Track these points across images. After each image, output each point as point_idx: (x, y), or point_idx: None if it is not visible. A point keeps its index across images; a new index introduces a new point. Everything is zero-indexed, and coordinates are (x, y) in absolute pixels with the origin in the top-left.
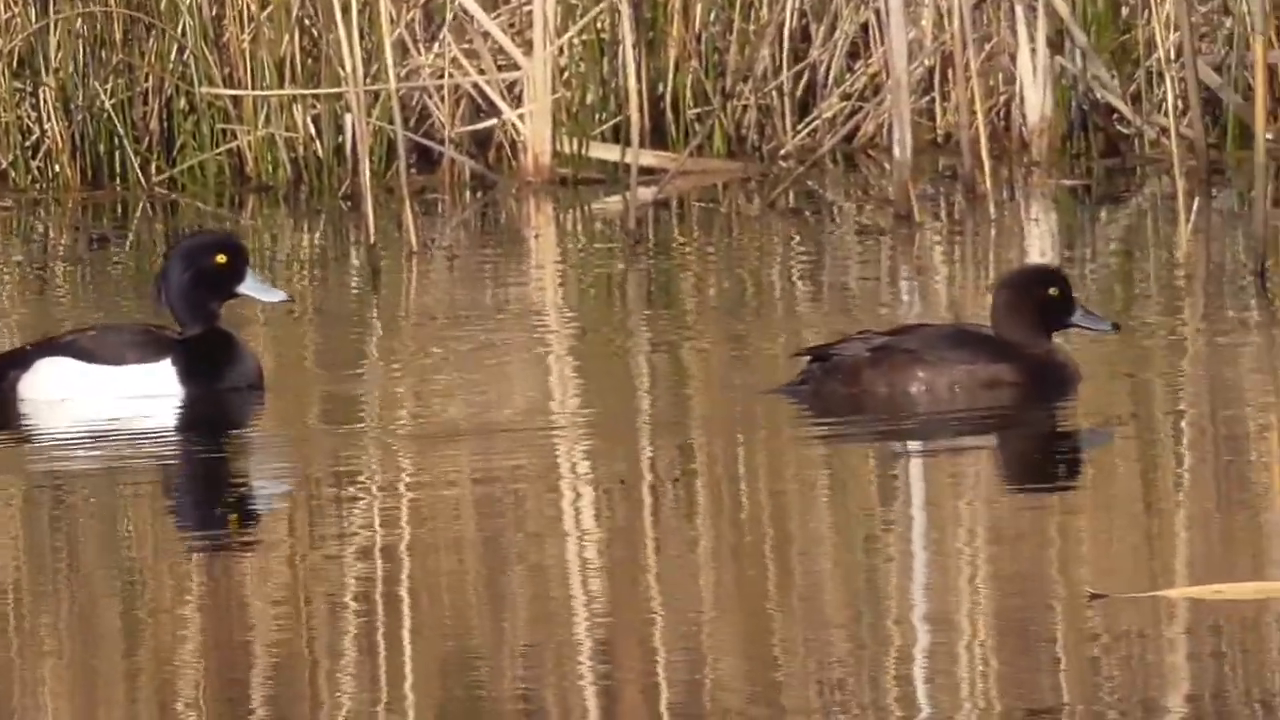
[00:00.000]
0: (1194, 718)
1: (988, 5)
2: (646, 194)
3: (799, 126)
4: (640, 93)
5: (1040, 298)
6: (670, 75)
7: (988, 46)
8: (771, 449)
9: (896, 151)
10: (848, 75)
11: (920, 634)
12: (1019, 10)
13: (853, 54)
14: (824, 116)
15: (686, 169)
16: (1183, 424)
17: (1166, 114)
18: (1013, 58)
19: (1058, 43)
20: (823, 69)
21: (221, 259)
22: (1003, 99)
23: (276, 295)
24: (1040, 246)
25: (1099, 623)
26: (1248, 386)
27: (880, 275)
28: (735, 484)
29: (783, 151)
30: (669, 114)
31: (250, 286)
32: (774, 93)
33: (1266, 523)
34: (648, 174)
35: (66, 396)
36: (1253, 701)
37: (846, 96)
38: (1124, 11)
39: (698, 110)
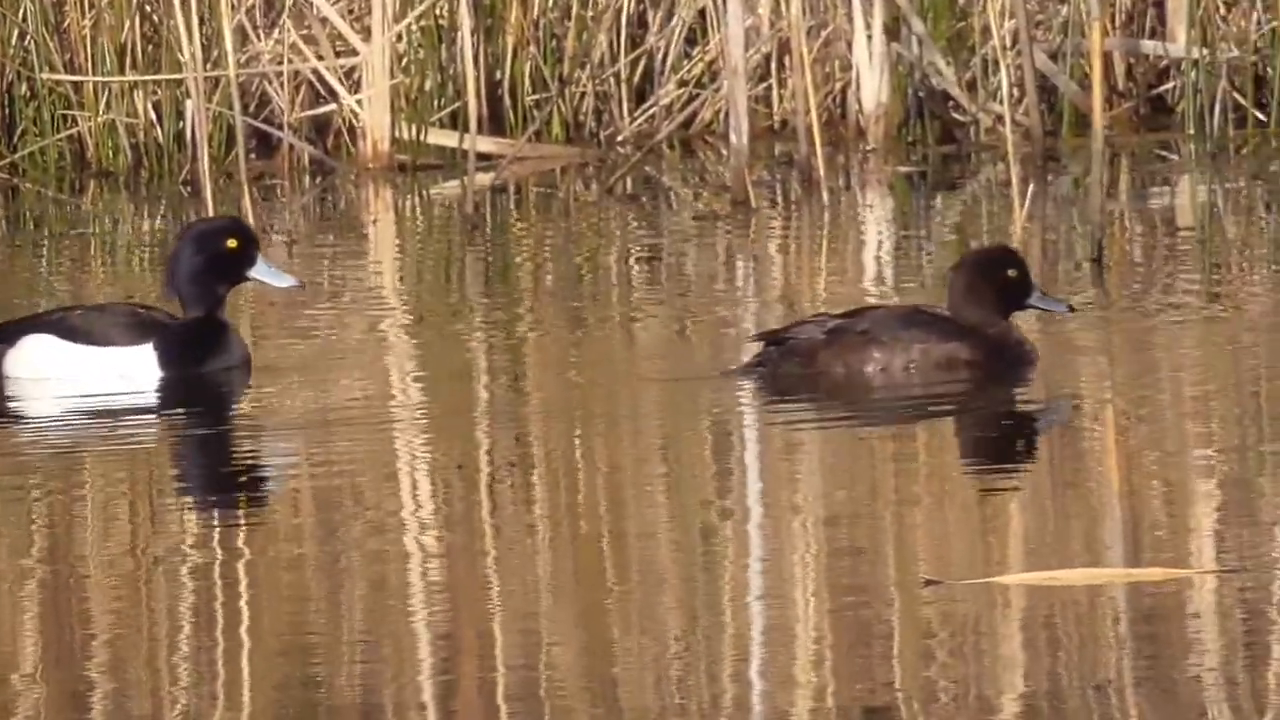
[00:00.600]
0: (1024, 705)
1: None
2: (484, 179)
3: (636, 113)
4: (478, 79)
5: (999, 279)
6: (508, 62)
7: (824, 34)
8: (621, 435)
9: (733, 138)
10: (685, 62)
11: (754, 620)
12: None
13: (690, 41)
14: (661, 103)
15: (524, 155)
16: (1018, 410)
17: (1002, 101)
18: (849, 45)
19: (894, 30)
20: (660, 56)
21: (233, 244)
22: (839, 86)
23: (287, 280)
24: (875, 232)
25: (932, 610)
26: (1085, 372)
27: (717, 260)
28: (574, 470)
29: (620, 138)
30: (507, 100)
31: (261, 271)
32: (611, 79)
33: (1100, 509)
34: (485, 160)
35: (49, 375)
36: (1082, 690)
37: (684, 83)
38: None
39: (536, 96)
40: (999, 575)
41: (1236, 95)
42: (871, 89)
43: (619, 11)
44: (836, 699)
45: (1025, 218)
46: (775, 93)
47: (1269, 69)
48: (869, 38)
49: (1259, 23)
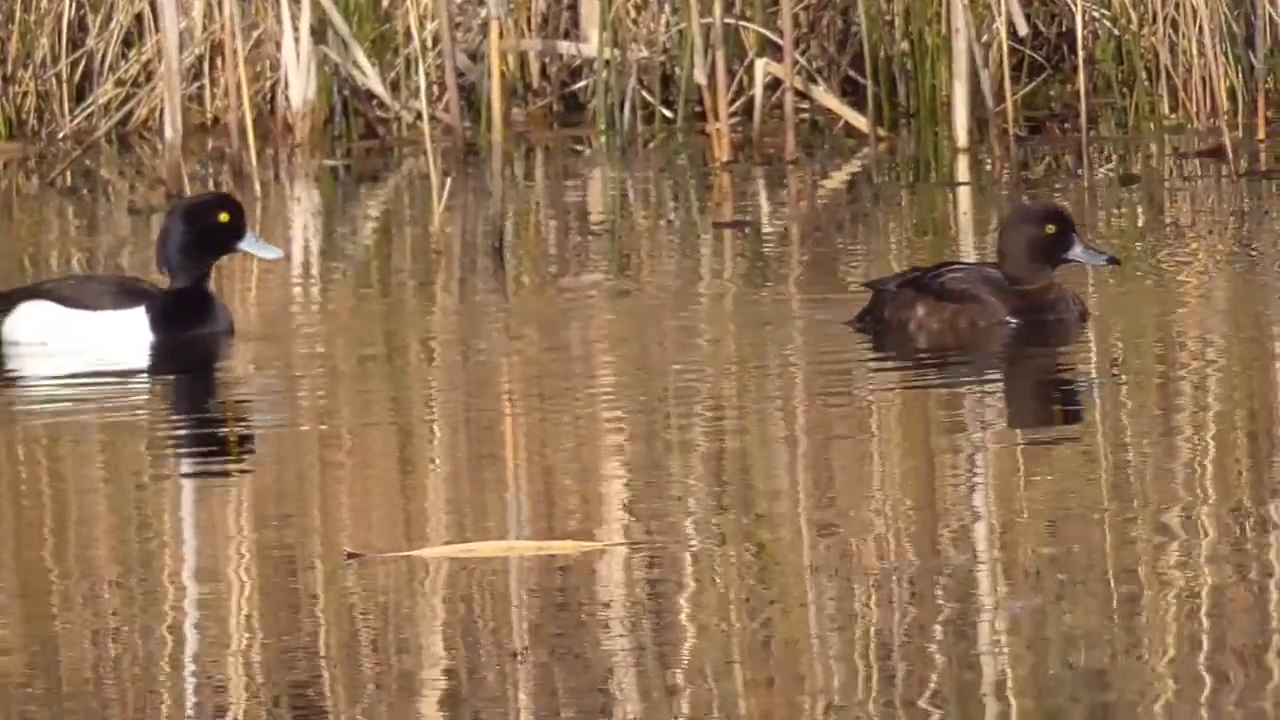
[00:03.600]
0: (441, 674)
1: None
2: None
3: (76, 110)
4: None
5: (1038, 235)
6: None
7: (255, 35)
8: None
9: (168, 133)
10: (123, 62)
11: (186, 595)
12: (284, 1)
13: (128, 42)
14: (100, 101)
15: None
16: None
17: (424, 99)
18: (278, 46)
19: (321, 32)
20: (99, 56)
21: (225, 217)
22: (269, 85)
23: (273, 252)
24: (303, 223)
25: (353, 582)
26: (492, 350)
27: (150, 250)
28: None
29: (61, 134)
30: None
31: (250, 244)
32: (53, 79)
33: (519, 484)
34: None
35: (46, 339)
36: (497, 657)
37: (122, 82)
38: (384, 3)
39: None
40: (419, 549)
41: (645, 93)
42: (299, 88)
43: (60, 16)
44: (263, 669)
45: (444, 209)
46: (209, 91)
47: (676, 69)
48: (296, 39)
49: (667, 25)
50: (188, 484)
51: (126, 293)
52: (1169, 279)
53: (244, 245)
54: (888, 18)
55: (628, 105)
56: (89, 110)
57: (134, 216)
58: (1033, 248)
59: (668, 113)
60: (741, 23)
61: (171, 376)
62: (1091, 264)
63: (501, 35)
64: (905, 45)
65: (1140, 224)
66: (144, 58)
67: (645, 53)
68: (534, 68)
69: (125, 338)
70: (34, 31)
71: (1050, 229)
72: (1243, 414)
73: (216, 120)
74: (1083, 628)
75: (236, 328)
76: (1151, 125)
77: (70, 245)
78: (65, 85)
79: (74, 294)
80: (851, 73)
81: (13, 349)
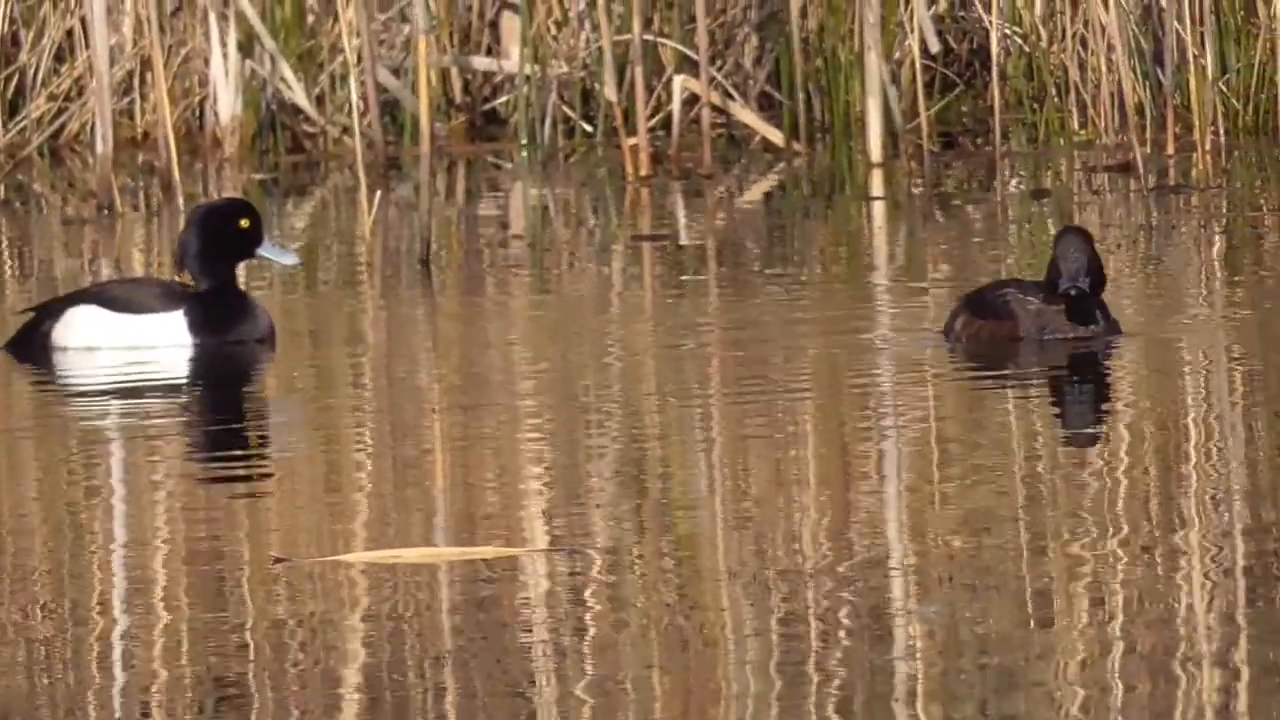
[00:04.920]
0: (363, 678)
1: (184, 13)
2: None
3: (9, 125)
4: None
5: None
6: None
7: (184, 51)
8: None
9: (99, 147)
10: (55, 77)
11: (110, 597)
12: (212, 18)
13: (59, 58)
14: (32, 116)
15: None
16: (363, 391)
17: (349, 114)
18: (206, 61)
19: (248, 47)
20: (31, 71)
21: (245, 224)
22: (197, 100)
23: (290, 258)
24: None
25: (280, 588)
26: (417, 358)
27: (83, 260)
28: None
29: None
30: None
31: (268, 249)
32: None
33: (444, 491)
34: None
35: (92, 344)
36: (421, 661)
37: (54, 97)
38: (310, 19)
39: None
40: (345, 554)
41: (566, 108)
42: (227, 102)
43: None
44: (188, 672)
45: (371, 222)
46: (138, 106)
47: (596, 84)
48: (224, 55)
49: (587, 41)
50: (119, 490)
51: (167, 295)
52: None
53: (262, 251)
54: (803, 34)
55: (548, 120)
56: (21, 124)
57: (66, 228)
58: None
59: (588, 127)
60: (659, 39)
61: (199, 383)
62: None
63: (444, 51)
64: (820, 62)
65: (1050, 237)
66: (75, 73)
67: (565, 68)
68: (456, 83)
69: (166, 340)
70: None
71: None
72: (1149, 423)
73: (147, 134)
74: (995, 633)
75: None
76: (1062, 140)
77: (4, 257)
78: None
79: (118, 296)
80: (768, 88)
81: (62, 354)
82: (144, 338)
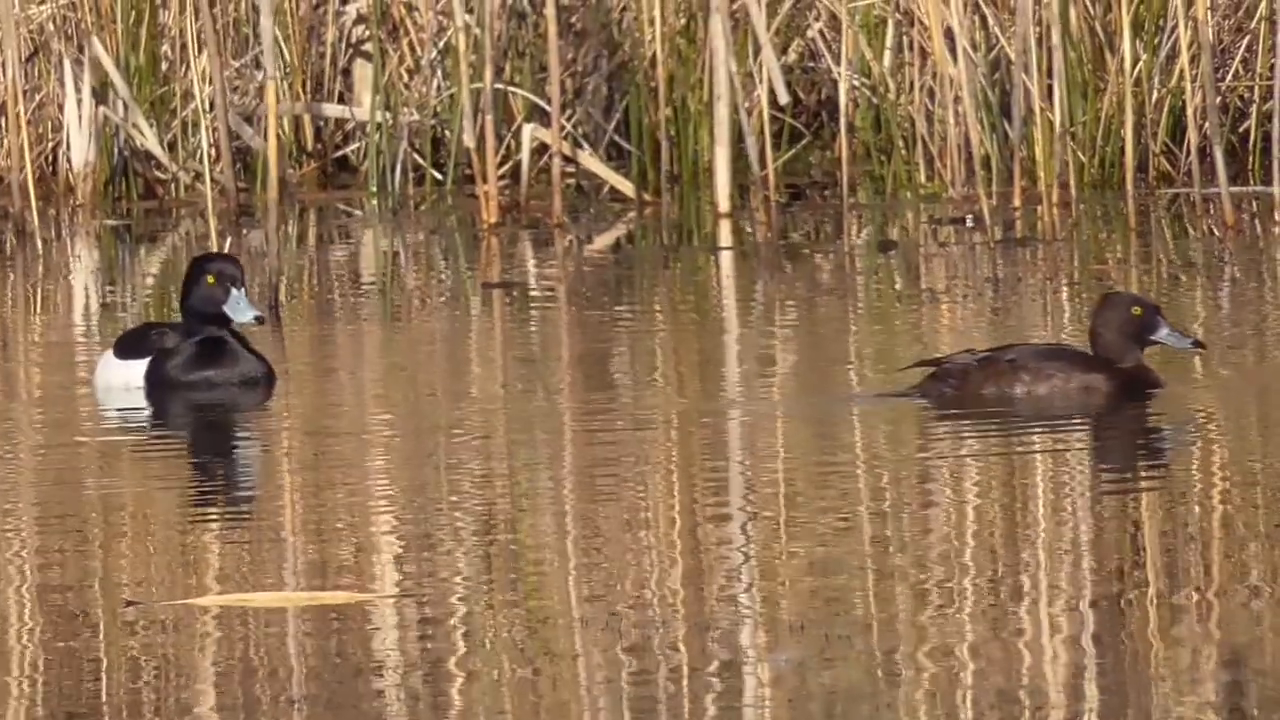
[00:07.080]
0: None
1: (39, 58)
2: None
3: None
4: None
5: (1126, 318)
6: None
7: (39, 97)
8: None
9: None
10: None
11: None
12: (67, 64)
13: None
14: None
15: None
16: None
17: (201, 160)
18: (61, 108)
19: (103, 94)
20: None
21: (210, 280)
22: (51, 145)
23: (247, 315)
24: (84, 281)
25: (128, 629)
26: (270, 406)
27: None
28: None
29: None
30: None
31: (230, 306)
32: None
33: (294, 535)
34: None
35: (107, 386)
36: (275, 704)
37: None
38: (164, 66)
39: None
40: (198, 597)
41: (417, 156)
42: (80, 148)
43: None
44: (41, 714)
45: None
46: None
47: (446, 132)
48: (79, 101)
49: (439, 89)
50: None
51: (148, 342)
52: (928, 343)
53: (226, 308)
54: (652, 84)
55: (399, 168)
56: None
57: None
58: (1123, 329)
59: (438, 175)
60: (510, 88)
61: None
62: (1177, 346)
63: (277, 99)
64: (669, 112)
65: (896, 289)
66: None
67: (417, 116)
68: (308, 130)
69: (139, 385)
70: None
71: (1136, 310)
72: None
73: (1, 179)
74: (844, 682)
75: None
76: (909, 193)
77: None
78: None
79: (126, 341)
80: (617, 138)
81: (105, 397)
82: (125, 381)
